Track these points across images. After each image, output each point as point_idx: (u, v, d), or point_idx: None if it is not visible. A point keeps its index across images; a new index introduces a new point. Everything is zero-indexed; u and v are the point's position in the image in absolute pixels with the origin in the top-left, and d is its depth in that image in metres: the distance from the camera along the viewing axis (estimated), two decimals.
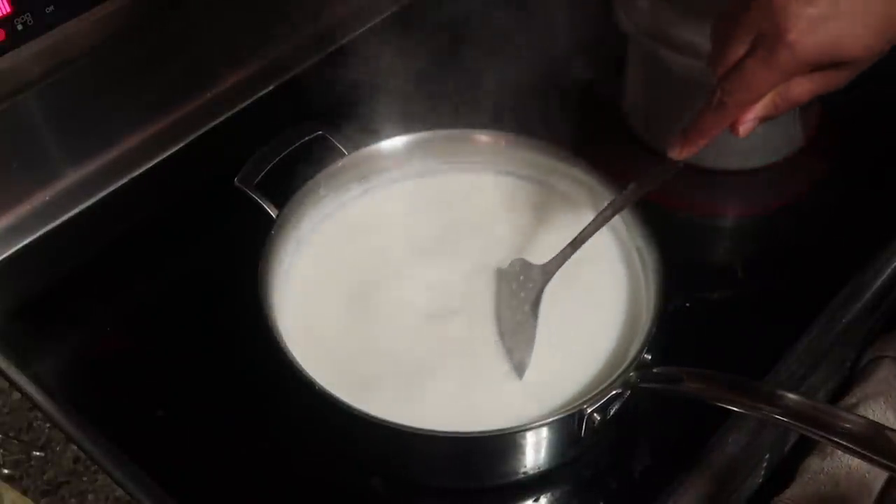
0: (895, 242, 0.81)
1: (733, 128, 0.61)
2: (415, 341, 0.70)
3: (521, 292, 0.70)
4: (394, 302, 0.72)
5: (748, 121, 0.60)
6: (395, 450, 0.65)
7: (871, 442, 0.55)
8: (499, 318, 0.71)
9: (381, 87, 0.81)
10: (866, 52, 0.57)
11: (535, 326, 0.68)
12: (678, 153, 0.64)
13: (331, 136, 0.77)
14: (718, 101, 0.60)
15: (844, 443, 0.55)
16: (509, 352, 0.69)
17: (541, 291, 0.69)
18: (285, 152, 0.75)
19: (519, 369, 0.67)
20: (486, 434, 0.62)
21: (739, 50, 0.58)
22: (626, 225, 0.73)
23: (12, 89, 0.76)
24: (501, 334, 0.70)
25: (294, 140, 0.76)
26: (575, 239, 0.69)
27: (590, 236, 0.69)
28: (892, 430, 0.55)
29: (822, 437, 0.56)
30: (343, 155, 0.76)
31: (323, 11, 0.97)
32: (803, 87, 0.59)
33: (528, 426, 0.62)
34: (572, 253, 0.69)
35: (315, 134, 0.76)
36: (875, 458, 0.54)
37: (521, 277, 0.70)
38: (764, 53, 0.56)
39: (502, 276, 0.72)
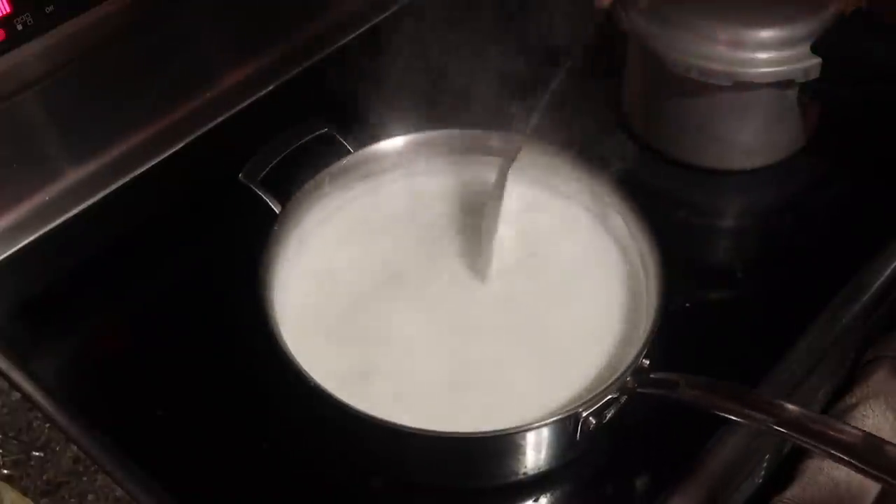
0: (895, 242, 0.81)
1: None
2: (417, 341, 0.70)
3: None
4: (396, 301, 0.72)
5: None
6: (396, 450, 0.66)
7: (869, 455, 0.55)
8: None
9: (387, 85, 0.81)
10: None
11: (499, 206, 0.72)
12: None
13: (337, 134, 0.77)
14: None
15: (841, 455, 0.55)
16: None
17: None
18: (291, 149, 0.75)
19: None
20: (482, 435, 0.61)
21: None
22: (627, 226, 0.73)
23: (12, 89, 0.76)
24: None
25: (300, 137, 0.75)
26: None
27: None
28: (890, 443, 0.55)
29: (820, 448, 0.56)
30: (349, 153, 0.76)
31: (329, 8, 0.97)
32: None
33: (523, 428, 0.62)
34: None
35: (321, 131, 0.76)
36: (872, 471, 0.54)
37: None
38: None
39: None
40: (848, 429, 0.56)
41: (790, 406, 0.58)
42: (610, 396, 0.62)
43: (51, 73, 0.78)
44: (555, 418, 0.61)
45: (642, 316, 0.69)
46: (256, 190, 0.73)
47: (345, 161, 0.76)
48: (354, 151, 0.76)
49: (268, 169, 0.74)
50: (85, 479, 0.66)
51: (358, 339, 0.70)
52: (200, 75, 0.91)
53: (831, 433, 0.56)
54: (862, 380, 0.85)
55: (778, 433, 0.58)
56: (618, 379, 0.62)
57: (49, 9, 0.74)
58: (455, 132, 0.79)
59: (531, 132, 0.78)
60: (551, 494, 0.68)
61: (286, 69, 0.95)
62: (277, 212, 0.72)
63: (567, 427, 0.62)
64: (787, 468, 0.81)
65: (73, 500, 0.65)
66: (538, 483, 0.67)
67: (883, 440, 0.55)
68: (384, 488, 0.68)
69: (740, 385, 0.60)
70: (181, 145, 0.88)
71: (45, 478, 0.66)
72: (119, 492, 0.66)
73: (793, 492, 0.78)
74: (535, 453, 0.64)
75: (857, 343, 0.87)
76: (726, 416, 0.60)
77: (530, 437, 0.63)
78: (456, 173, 0.80)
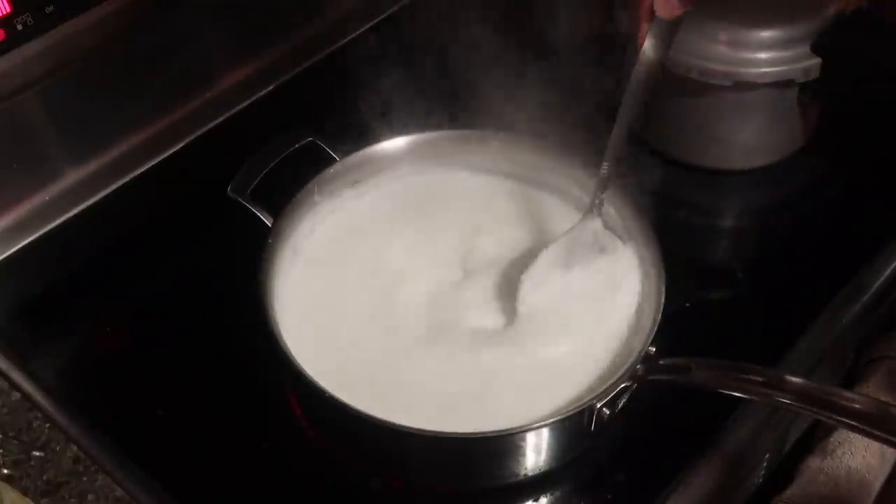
0: (895, 242, 0.81)
1: None
2: (415, 342, 0.70)
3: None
4: (394, 301, 0.72)
5: None
6: (397, 450, 0.65)
7: (879, 420, 0.56)
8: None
9: (370, 90, 0.81)
10: None
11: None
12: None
13: (321, 143, 0.77)
14: None
15: (853, 422, 0.56)
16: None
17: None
18: (276, 160, 0.75)
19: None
20: (497, 434, 0.61)
21: None
22: (626, 226, 0.73)
23: (12, 89, 0.76)
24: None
25: (284, 148, 0.76)
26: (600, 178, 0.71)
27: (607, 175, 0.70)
28: None
29: (831, 418, 0.57)
30: (334, 161, 0.76)
31: (308, 21, 0.97)
32: None
33: (539, 424, 0.62)
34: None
35: (305, 141, 0.76)
36: (884, 435, 0.55)
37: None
38: None
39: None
40: (859, 397, 0.57)
41: (800, 380, 0.59)
42: (623, 385, 0.63)
43: (51, 73, 0.78)
44: (572, 411, 0.62)
45: (644, 313, 0.69)
46: (247, 204, 0.73)
47: (332, 169, 0.76)
48: (340, 159, 0.76)
49: (256, 181, 0.74)
50: (85, 479, 0.66)
51: (358, 340, 0.70)
52: (200, 76, 0.91)
53: (842, 402, 0.57)
54: (862, 380, 0.85)
55: (791, 407, 0.59)
56: (630, 367, 0.63)
57: (49, 9, 0.74)
58: (445, 133, 0.79)
59: (528, 132, 0.78)
60: (554, 491, 0.68)
61: (286, 69, 0.95)
62: (269, 223, 0.72)
63: (582, 419, 0.63)
64: (787, 468, 0.81)
65: (73, 500, 0.65)
66: (544, 479, 0.67)
67: (893, 405, 0.56)
68: (384, 488, 0.68)
69: (750, 364, 0.61)
70: (181, 145, 0.88)
71: (45, 478, 0.66)
72: (119, 492, 0.66)
73: (793, 491, 0.78)
74: (549, 448, 0.65)
75: (857, 343, 0.87)
76: (739, 394, 0.61)
77: (547, 432, 0.63)
78: (446, 175, 0.80)
